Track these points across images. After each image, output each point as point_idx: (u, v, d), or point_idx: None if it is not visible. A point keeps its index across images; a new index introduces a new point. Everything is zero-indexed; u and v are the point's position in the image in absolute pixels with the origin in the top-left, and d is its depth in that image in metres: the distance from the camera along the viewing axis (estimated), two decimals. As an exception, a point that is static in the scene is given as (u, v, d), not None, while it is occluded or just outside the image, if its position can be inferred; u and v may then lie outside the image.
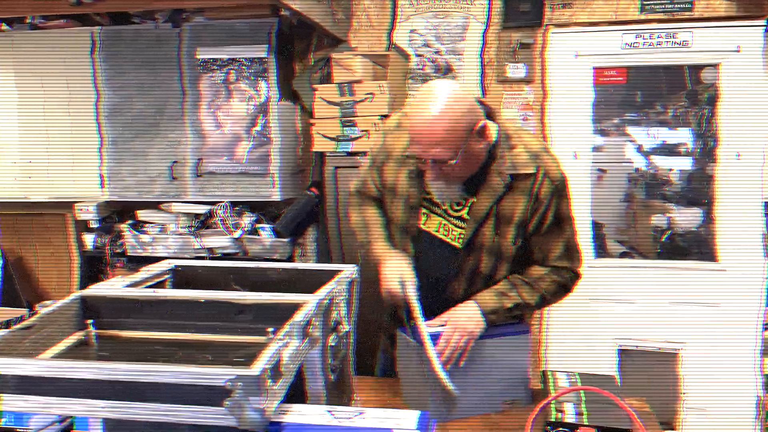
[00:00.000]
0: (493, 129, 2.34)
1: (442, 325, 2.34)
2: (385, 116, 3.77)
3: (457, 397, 2.25)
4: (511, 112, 4.21)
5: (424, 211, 2.53)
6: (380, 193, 2.68)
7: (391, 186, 2.60)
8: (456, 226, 2.48)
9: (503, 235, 2.41)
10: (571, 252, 2.45)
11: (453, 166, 2.26)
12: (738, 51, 3.98)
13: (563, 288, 2.48)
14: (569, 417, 2.07)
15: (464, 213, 2.44)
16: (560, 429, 2.04)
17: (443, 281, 2.55)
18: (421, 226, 2.54)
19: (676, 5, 3.97)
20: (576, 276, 2.49)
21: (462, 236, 2.46)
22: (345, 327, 1.88)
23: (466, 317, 2.35)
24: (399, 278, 2.43)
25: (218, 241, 4.20)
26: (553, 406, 2.15)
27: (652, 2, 3.99)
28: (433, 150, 2.23)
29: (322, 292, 1.68)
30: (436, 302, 2.46)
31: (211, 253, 4.21)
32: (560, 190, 2.38)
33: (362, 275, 2.05)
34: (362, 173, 2.78)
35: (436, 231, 2.52)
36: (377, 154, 2.67)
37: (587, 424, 2.02)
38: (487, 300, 2.38)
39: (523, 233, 2.41)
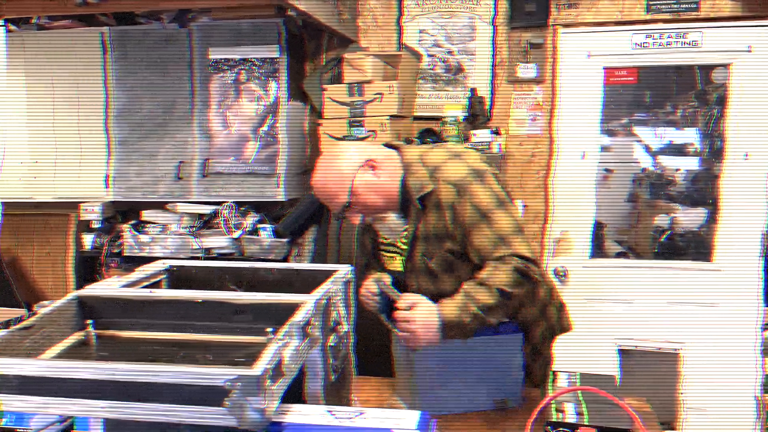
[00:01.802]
0: (389, 160, 2.53)
1: (409, 308, 2.35)
2: (394, 116, 3.78)
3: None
4: (521, 112, 4.21)
5: (388, 255, 2.73)
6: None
7: (360, 242, 2.93)
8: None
9: (430, 254, 2.54)
10: (508, 239, 2.41)
11: (361, 204, 2.48)
12: (749, 51, 3.97)
13: (521, 274, 2.37)
14: (570, 417, 2.07)
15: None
16: (561, 429, 2.04)
17: None
18: (389, 268, 2.73)
19: (681, 5, 3.96)
20: (526, 261, 2.39)
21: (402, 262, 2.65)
22: (344, 327, 1.89)
23: (424, 320, 2.32)
24: (373, 278, 2.62)
25: (217, 242, 4.19)
26: (553, 406, 2.15)
27: (657, 2, 3.98)
28: (333, 204, 2.51)
29: (319, 292, 1.68)
30: None
31: (207, 254, 4.20)
32: (465, 188, 2.45)
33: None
34: None
35: (401, 267, 2.67)
36: None
37: (588, 424, 2.02)
38: (448, 313, 2.33)
39: (443, 245, 2.52)
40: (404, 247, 2.60)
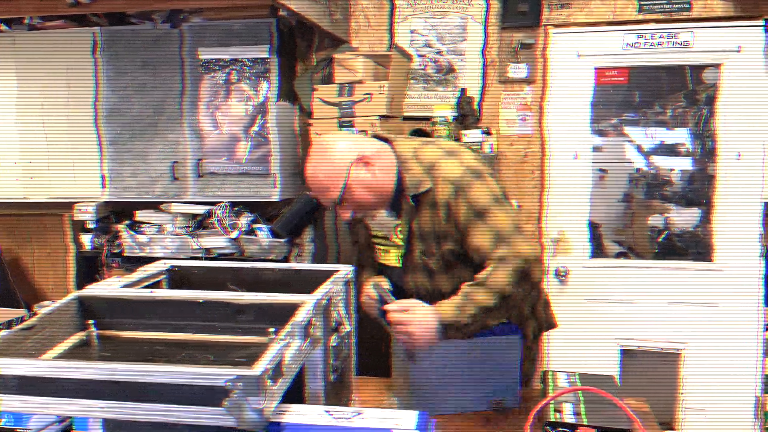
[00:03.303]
0: (382, 156, 2.48)
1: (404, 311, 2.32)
2: (384, 116, 3.77)
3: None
4: (510, 112, 4.22)
5: (382, 248, 2.69)
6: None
7: (355, 232, 2.87)
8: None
9: (428, 251, 2.52)
10: (506, 237, 2.37)
11: (352, 201, 2.44)
12: (739, 51, 3.98)
13: (521, 274, 2.35)
14: (568, 417, 2.07)
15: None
16: (560, 429, 2.04)
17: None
18: (382, 261, 2.71)
19: (673, 5, 3.97)
20: (527, 260, 2.36)
21: (398, 257, 2.61)
22: (346, 327, 1.89)
23: (420, 321, 2.30)
24: (372, 283, 2.57)
25: (215, 242, 4.18)
26: (551, 406, 2.15)
27: (649, 2, 4.00)
28: (324, 197, 2.46)
29: (320, 292, 1.68)
30: None
31: (208, 254, 4.19)
32: (463, 186, 2.42)
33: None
34: None
35: (396, 262, 2.65)
36: None
37: (586, 424, 2.02)
38: (446, 312, 2.32)
39: (443, 243, 2.49)
40: (400, 243, 2.57)
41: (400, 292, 2.64)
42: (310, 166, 2.47)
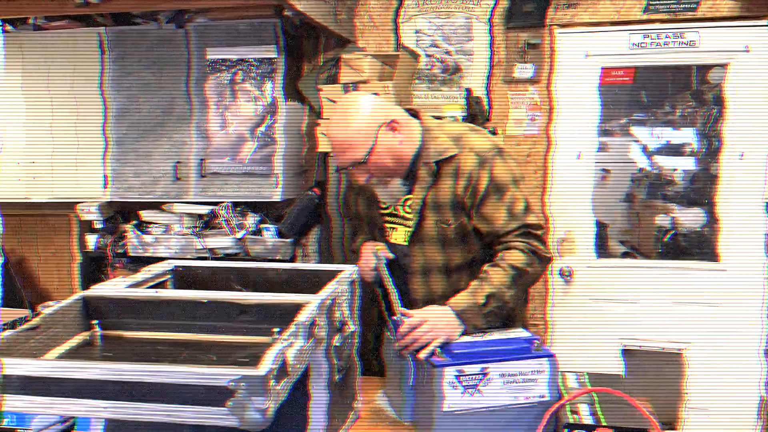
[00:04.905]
0: (409, 125, 2.55)
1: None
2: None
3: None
4: (520, 112, 4.20)
5: (390, 225, 2.69)
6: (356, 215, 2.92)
7: (356, 213, 2.89)
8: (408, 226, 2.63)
9: (444, 221, 2.52)
10: (517, 214, 2.46)
11: (375, 164, 2.45)
12: (747, 51, 3.95)
13: (533, 254, 2.44)
14: (585, 418, 2.06)
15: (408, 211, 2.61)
16: (578, 431, 2.03)
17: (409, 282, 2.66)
18: (390, 240, 2.70)
19: (680, 5, 3.95)
20: (535, 237, 2.46)
21: (407, 233, 2.61)
22: (351, 327, 1.88)
23: (437, 315, 2.32)
24: (373, 251, 2.60)
25: (221, 242, 4.18)
26: (567, 407, 2.14)
27: (656, 2, 3.97)
28: (344, 156, 2.46)
29: (325, 292, 1.68)
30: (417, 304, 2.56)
31: (213, 254, 4.19)
32: (488, 159, 2.49)
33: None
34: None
35: (403, 240, 2.65)
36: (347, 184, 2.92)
37: (605, 424, 2.01)
38: (458, 300, 2.38)
39: (459, 214, 2.52)
40: (409, 215, 2.58)
41: (404, 271, 2.63)
42: (335, 122, 2.48)
